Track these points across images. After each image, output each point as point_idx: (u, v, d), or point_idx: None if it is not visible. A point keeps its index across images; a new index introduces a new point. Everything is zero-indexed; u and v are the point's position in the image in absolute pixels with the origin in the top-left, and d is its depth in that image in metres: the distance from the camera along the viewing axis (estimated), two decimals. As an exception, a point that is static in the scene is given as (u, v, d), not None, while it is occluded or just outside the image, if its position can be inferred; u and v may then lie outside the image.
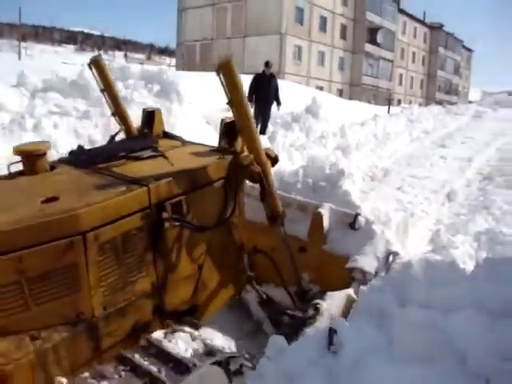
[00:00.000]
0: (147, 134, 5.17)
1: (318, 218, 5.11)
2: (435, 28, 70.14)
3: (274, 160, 4.64)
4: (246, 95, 5.00)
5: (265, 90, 14.37)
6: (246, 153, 4.27)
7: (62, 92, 12.61)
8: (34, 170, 3.88)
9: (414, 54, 65.72)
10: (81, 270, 3.22)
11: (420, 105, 45.11)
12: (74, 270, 3.20)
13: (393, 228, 5.67)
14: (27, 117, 10.49)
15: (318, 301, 4.12)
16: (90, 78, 10.46)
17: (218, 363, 3.39)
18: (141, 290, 3.71)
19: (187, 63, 49.18)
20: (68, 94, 12.59)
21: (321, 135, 14.72)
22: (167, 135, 5.40)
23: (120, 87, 12.88)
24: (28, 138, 9.51)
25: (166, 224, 3.69)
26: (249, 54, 43.64)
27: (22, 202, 3.19)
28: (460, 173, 12.48)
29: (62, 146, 9.34)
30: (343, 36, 51.34)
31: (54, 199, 3.31)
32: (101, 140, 10.18)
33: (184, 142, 5.17)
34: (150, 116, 5.29)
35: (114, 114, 5.47)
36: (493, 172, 12.30)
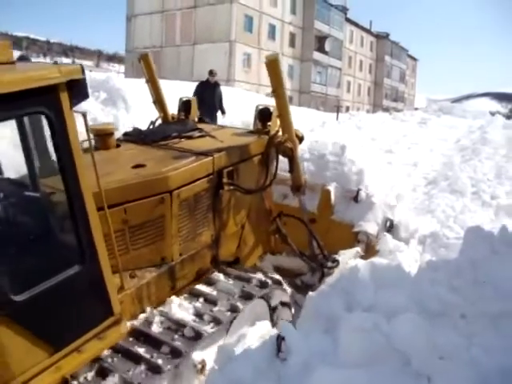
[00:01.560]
0: (185, 119, 6.31)
1: (326, 193, 6.48)
2: (381, 37, 71.75)
3: (301, 139, 6.00)
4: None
5: (209, 97, 14.31)
6: (280, 133, 5.44)
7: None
8: (106, 146, 4.83)
9: (361, 62, 67.01)
10: (167, 222, 4.15)
11: (367, 112, 46.16)
12: (162, 221, 4.12)
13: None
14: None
15: (335, 256, 5.51)
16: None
17: (262, 297, 4.32)
18: (204, 242, 4.73)
19: (137, 70, 48.67)
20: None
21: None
22: (202, 120, 6.67)
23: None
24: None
25: (226, 187, 4.78)
26: (198, 62, 43.53)
27: (116, 168, 3.86)
28: (406, 177, 12.77)
29: None
30: (292, 44, 51.91)
31: (141, 166, 4.22)
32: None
33: (219, 126, 6.54)
34: (186, 104, 6.54)
35: (154, 102, 6.55)
36: (437, 177, 12.65)
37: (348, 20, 61.42)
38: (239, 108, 19.01)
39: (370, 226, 6.21)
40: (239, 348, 3.26)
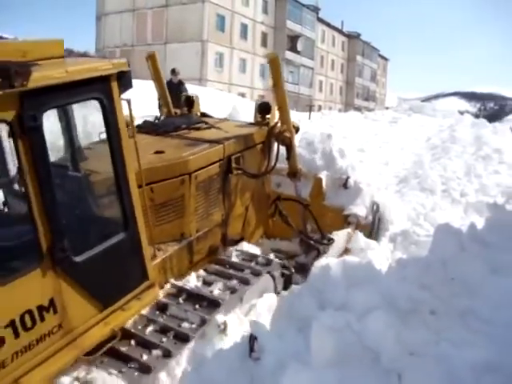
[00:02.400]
0: (189, 114, 6.94)
1: (318, 180, 7.09)
2: (353, 37, 72.23)
3: (297, 129, 6.63)
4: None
5: (173, 97, 14.17)
6: (279, 124, 6.05)
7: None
8: None
9: (333, 61, 67.40)
10: (186, 201, 4.70)
11: (339, 111, 46.38)
12: (182, 200, 4.67)
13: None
14: None
15: (330, 235, 6.16)
16: None
17: (268, 272, 4.85)
18: (215, 221, 5.29)
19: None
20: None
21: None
22: (204, 115, 7.15)
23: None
24: None
25: (234, 172, 5.38)
26: (170, 61, 43.15)
27: (140, 154, 3.96)
28: (378, 176, 12.89)
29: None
30: (264, 43, 51.95)
31: (161, 152, 4.70)
32: None
33: (221, 119, 7.07)
34: (188, 100, 7.19)
35: (159, 99, 7.32)
36: (408, 175, 12.79)
37: (320, 20, 61.71)
38: (212, 108, 18.93)
39: (359, 209, 6.90)
40: (212, 349, 3.26)
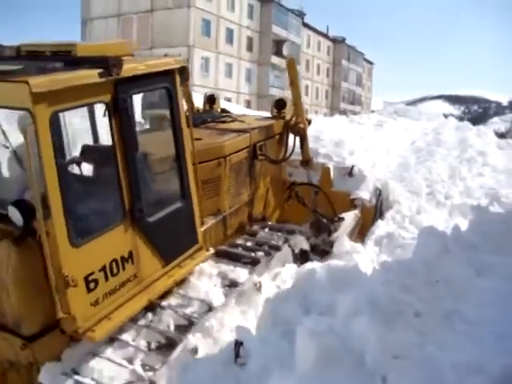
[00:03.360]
0: (211, 110, 7.52)
1: (326, 169, 8.25)
2: (338, 41, 72.41)
3: (309, 122, 7.44)
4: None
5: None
6: (294, 117, 6.91)
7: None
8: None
9: (318, 66, 67.55)
10: (222, 181, 5.35)
11: (325, 115, 46.51)
12: (218, 180, 5.32)
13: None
14: None
15: (340, 215, 7.12)
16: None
17: (289, 246, 5.46)
18: (243, 200, 5.97)
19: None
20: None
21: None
22: (224, 111, 7.74)
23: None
24: None
25: (259, 158, 6.11)
26: (156, 66, 43.12)
27: None
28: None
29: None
30: (250, 48, 51.90)
31: (199, 139, 4.99)
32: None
33: (240, 114, 7.83)
34: (210, 98, 7.75)
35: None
36: (393, 178, 12.81)
37: (305, 25, 61.88)
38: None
39: (364, 194, 7.96)
40: (197, 355, 3.24)
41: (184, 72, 4.40)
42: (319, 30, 67.68)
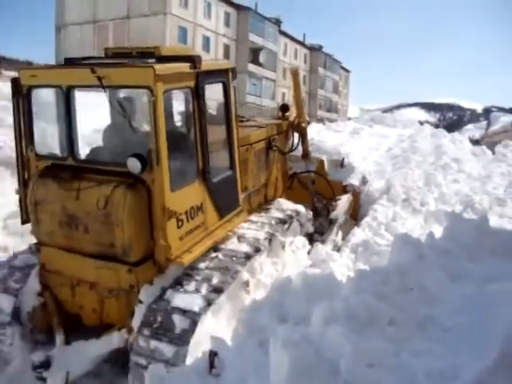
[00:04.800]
0: None
1: (321, 162, 9.90)
2: (315, 49, 73.03)
3: (308, 122, 9.69)
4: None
5: None
6: (296, 118, 8.56)
7: None
8: None
9: (295, 73, 68.00)
10: (248, 163, 6.66)
11: (303, 122, 46.59)
12: (247, 162, 6.55)
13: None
14: None
15: (336, 198, 8.84)
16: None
17: (298, 220, 6.90)
18: (261, 182, 7.29)
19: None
20: None
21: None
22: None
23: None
24: None
25: (273, 148, 7.60)
26: (133, 73, 42.85)
27: None
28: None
29: None
30: (226, 56, 51.97)
31: None
32: None
33: (252, 117, 9.16)
34: (283, 107, 9.29)
35: None
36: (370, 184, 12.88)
37: (282, 32, 62.23)
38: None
39: (354, 181, 9.83)
40: (171, 368, 3.19)
41: (234, 71, 5.79)
42: (296, 38, 68.10)
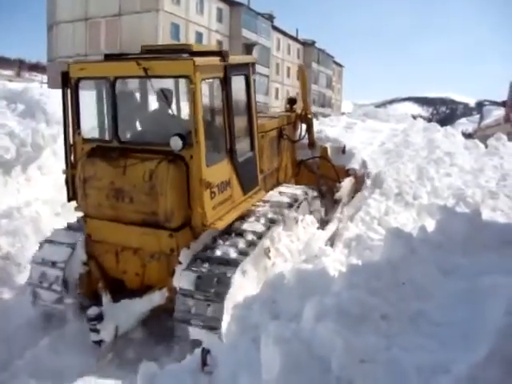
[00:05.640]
0: None
1: (325, 149, 10.31)
2: (308, 44, 72.99)
3: (314, 114, 12.01)
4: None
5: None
6: (303, 110, 9.48)
7: None
8: None
9: (288, 69, 67.88)
10: (264, 149, 7.33)
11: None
12: (262, 148, 7.15)
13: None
14: None
15: (341, 180, 9.72)
16: None
17: (306, 199, 7.45)
18: (274, 167, 8.18)
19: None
20: None
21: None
22: None
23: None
24: None
25: (284, 137, 8.58)
26: (125, 70, 42.61)
27: None
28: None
29: None
30: (220, 52, 51.94)
31: None
32: None
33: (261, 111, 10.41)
34: (291, 100, 10.41)
35: None
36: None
37: (275, 28, 62.11)
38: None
39: (355, 165, 10.66)
40: (163, 365, 3.17)
41: (254, 65, 6.58)
42: (289, 34, 67.95)
